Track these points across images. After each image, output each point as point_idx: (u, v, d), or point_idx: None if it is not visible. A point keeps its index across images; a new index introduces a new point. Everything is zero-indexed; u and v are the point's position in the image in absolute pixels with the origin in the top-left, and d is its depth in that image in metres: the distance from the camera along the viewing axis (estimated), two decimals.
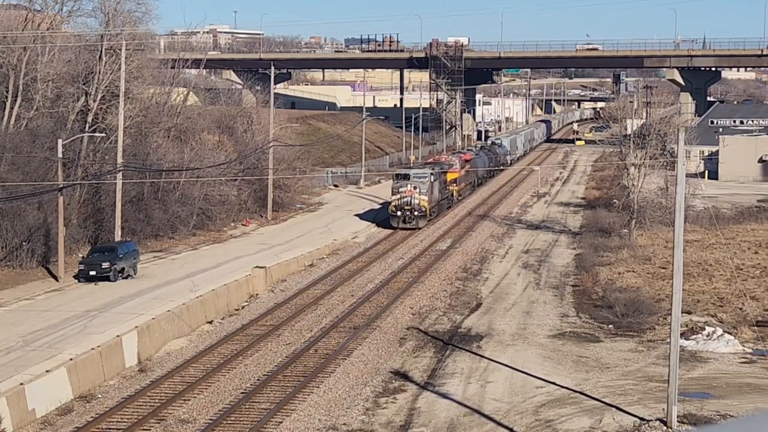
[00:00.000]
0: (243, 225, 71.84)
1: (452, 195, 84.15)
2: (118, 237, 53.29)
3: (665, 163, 72.04)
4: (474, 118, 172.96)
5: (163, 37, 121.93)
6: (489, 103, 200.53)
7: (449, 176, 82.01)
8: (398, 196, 72.05)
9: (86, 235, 57.62)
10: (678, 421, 29.62)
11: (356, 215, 79.04)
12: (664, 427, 29.55)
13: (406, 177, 73.31)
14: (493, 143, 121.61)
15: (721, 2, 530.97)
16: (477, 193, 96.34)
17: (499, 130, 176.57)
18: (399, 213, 71.87)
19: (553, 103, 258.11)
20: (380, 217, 76.78)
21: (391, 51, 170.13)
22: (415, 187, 71.75)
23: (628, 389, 33.74)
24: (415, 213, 71.84)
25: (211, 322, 44.86)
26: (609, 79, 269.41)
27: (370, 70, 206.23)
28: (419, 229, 71.60)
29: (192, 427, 30.57)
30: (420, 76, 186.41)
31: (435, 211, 75.81)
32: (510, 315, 46.01)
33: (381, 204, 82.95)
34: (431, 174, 74.01)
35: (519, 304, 48.40)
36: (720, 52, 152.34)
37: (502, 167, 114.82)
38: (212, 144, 77.77)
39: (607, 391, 33.45)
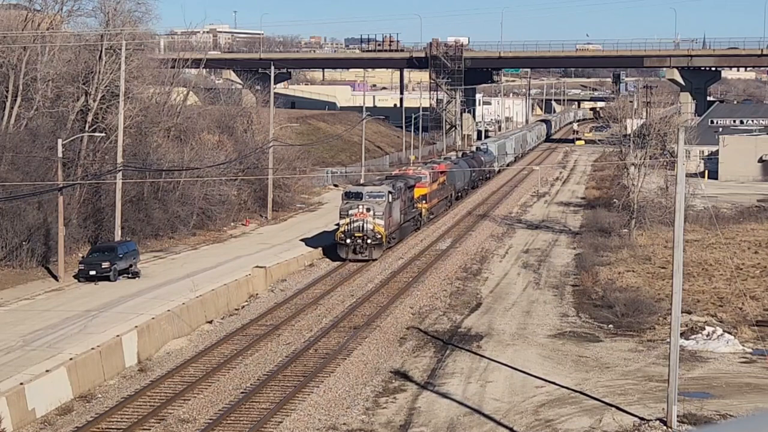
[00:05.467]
0: (243, 225, 71.83)
1: (420, 214, 71.50)
2: (118, 237, 53.30)
3: (665, 163, 72.14)
4: (474, 117, 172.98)
5: (163, 37, 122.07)
6: (489, 103, 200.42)
7: (417, 192, 70.19)
8: (347, 220, 58.67)
9: (86, 234, 57.64)
10: (678, 421, 29.62)
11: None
12: (664, 427, 29.55)
13: (358, 196, 59.73)
14: (477, 149, 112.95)
15: (721, 2, 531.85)
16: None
17: (499, 130, 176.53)
18: (348, 241, 58.46)
19: (553, 102, 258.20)
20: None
21: (391, 51, 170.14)
22: (368, 209, 58.61)
23: (628, 389, 33.74)
24: (368, 241, 58.48)
25: (211, 322, 44.86)
26: (609, 79, 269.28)
27: (370, 69, 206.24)
28: (373, 260, 58.89)
29: (192, 427, 30.57)
30: (420, 76, 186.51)
31: (395, 236, 63.34)
32: (510, 315, 46.01)
33: None
34: (389, 192, 60.48)
35: (519, 304, 48.40)
36: (720, 51, 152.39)
37: (489, 175, 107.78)
38: (212, 144, 77.78)
39: (607, 391, 33.44)
